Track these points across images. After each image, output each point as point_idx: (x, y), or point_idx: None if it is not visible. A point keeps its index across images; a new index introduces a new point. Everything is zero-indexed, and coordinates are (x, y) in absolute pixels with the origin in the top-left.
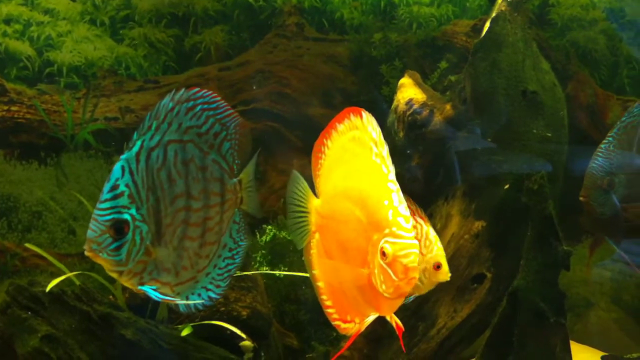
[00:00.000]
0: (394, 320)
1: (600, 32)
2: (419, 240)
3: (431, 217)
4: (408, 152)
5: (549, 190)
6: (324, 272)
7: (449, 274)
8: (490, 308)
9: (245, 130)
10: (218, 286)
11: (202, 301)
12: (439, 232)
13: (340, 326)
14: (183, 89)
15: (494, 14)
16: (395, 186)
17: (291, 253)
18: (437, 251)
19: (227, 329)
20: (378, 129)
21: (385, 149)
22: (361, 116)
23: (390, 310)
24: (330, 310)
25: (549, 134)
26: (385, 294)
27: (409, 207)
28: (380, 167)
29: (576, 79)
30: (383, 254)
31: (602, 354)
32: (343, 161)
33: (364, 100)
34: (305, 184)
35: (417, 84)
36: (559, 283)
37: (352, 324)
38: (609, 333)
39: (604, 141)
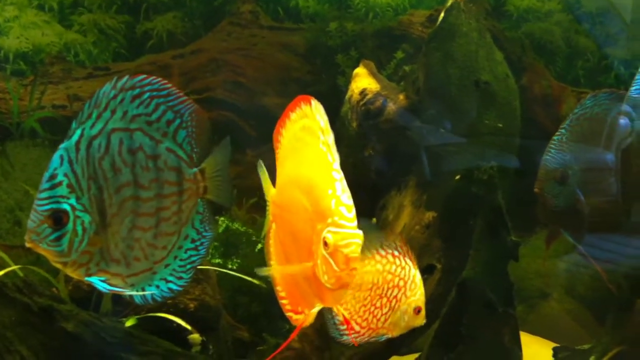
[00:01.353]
0: (340, 313)
1: (555, 23)
2: (405, 282)
3: (384, 208)
4: (362, 142)
5: (499, 181)
6: (279, 262)
7: (425, 320)
8: (441, 299)
9: (202, 117)
10: (180, 278)
11: (162, 293)
12: (392, 223)
13: (292, 317)
14: (127, 76)
15: (448, 4)
16: (339, 175)
17: (244, 245)
18: (420, 296)
19: (174, 321)
20: (325, 117)
21: (331, 137)
22: (310, 104)
23: (335, 302)
24: (283, 302)
25: (501, 125)
26: (328, 285)
27: (401, 247)
28: (326, 155)
29: (531, 71)
30: (325, 243)
31: (555, 345)
32: (295, 150)
33: (320, 89)
34: (265, 174)
35: (372, 73)
36: (513, 274)
37: (303, 316)
38: (563, 324)
39: (557, 133)
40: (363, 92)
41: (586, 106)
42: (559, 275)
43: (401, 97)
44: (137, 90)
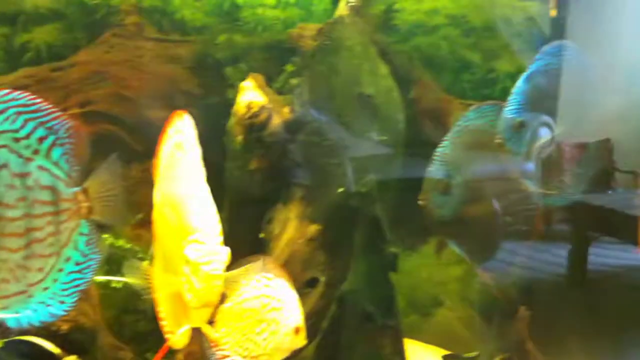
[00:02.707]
0: (209, 332)
1: (442, 37)
2: (283, 304)
3: (271, 222)
4: (247, 155)
5: (378, 193)
6: (158, 280)
7: (306, 340)
8: (324, 312)
9: (81, 134)
10: (62, 302)
11: (41, 317)
12: (277, 237)
13: (170, 339)
14: None
15: (333, 19)
16: (205, 190)
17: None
18: (299, 316)
19: (48, 344)
20: (193, 132)
21: (198, 152)
22: (181, 119)
23: (201, 321)
24: (163, 322)
25: (385, 137)
26: (191, 303)
27: (274, 270)
28: (193, 170)
29: (420, 84)
30: (187, 261)
31: (446, 352)
32: (168, 166)
33: (209, 102)
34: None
35: (259, 86)
36: (405, 283)
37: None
38: (455, 332)
39: (441, 145)
40: (249, 105)
41: (469, 118)
42: (450, 283)
43: (286, 110)
44: (0, 106)
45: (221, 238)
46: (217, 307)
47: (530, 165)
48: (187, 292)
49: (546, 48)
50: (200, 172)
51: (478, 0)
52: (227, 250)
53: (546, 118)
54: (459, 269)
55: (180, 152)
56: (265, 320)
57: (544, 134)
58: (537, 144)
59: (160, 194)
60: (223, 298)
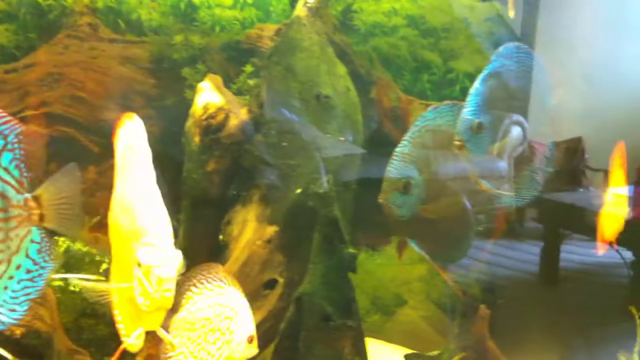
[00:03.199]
0: (163, 335)
1: (401, 38)
2: (236, 312)
3: (229, 224)
4: (204, 157)
5: (336, 193)
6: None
7: (258, 349)
8: (282, 314)
9: (33, 139)
10: (13, 310)
11: None
12: (236, 239)
13: (126, 342)
14: None
15: (290, 19)
16: (155, 193)
17: (87, 265)
18: (251, 324)
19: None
20: (143, 134)
21: (148, 154)
22: (131, 121)
23: (154, 325)
24: (119, 326)
25: (342, 138)
26: (143, 307)
27: (226, 278)
28: (144, 173)
29: (380, 84)
30: (139, 264)
31: (409, 351)
32: (121, 168)
33: (166, 104)
34: None
35: (217, 87)
36: (369, 283)
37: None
38: (418, 330)
39: (400, 145)
40: (205, 107)
41: (428, 118)
42: (413, 282)
43: (243, 111)
44: None
45: (173, 241)
46: (171, 316)
47: (502, 164)
48: (139, 296)
49: (500, 50)
50: (151, 174)
51: (436, 1)
52: (180, 253)
53: (518, 117)
54: (423, 268)
55: (131, 154)
56: (219, 329)
57: (516, 133)
58: (509, 143)
59: (114, 196)
60: (177, 307)
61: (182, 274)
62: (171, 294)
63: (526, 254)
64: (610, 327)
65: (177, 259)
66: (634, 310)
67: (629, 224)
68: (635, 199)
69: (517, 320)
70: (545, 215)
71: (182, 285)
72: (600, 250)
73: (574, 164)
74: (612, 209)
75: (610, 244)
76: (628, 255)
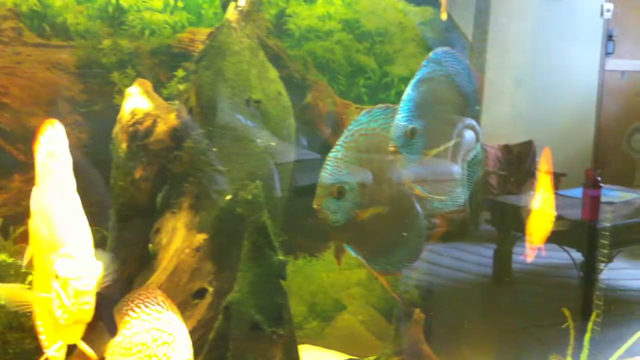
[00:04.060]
0: (84, 349)
1: (336, 42)
2: (174, 337)
3: (159, 232)
4: (132, 163)
5: (264, 199)
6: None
7: None
8: (212, 323)
9: None
10: None
11: None
12: (165, 248)
13: (46, 354)
14: None
15: (219, 23)
16: (75, 202)
17: (12, 277)
18: (189, 349)
19: None
20: (64, 140)
21: (69, 162)
22: (53, 127)
23: (74, 338)
24: (41, 337)
25: (273, 143)
26: (61, 320)
27: (164, 302)
28: (64, 181)
29: (315, 88)
30: (56, 276)
31: (348, 357)
32: (41, 176)
33: (95, 109)
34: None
35: (146, 92)
36: (307, 289)
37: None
38: (357, 335)
39: (333, 150)
40: (133, 112)
41: (361, 122)
42: (353, 287)
43: (172, 116)
44: None
45: (93, 252)
46: (107, 340)
47: (456, 168)
48: (57, 309)
49: (430, 55)
50: (71, 183)
51: (371, 5)
52: (100, 265)
53: (470, 121)
54: (362, 273)
55: (53, 162)
56: (155, 355)
57: (469, 137)
58: (462, 146)
59: (34, 205)
60: (114, 332)
61: (124, 299)
62: (90, 307)
63: (482, 257)
64: (551, 329)
65: (96, 270)
66: (566, 312)
67: (578, 225)
68: (584, 201)
69: (459, 323)
70: (497, 218)
71: (119, 308)
72: (529, 257)
73: (525, 167)
74: (540, 215)
75: (539, 249)
76: (578, 256)
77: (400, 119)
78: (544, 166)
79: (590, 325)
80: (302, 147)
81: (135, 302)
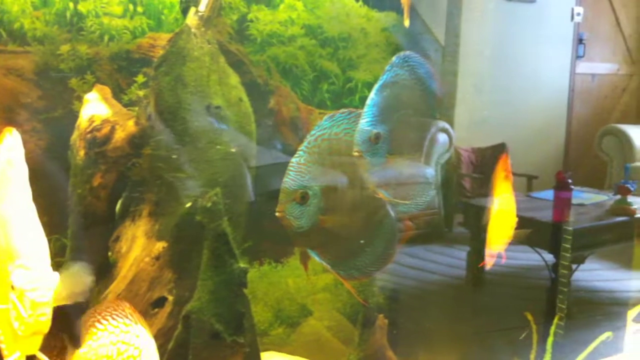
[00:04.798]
0: (42, 359)
1: (299, 48)
2: (141, 351)
3: (118, 240)
4: (90, 171)
5: (223, 206)
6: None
7: None
8: (172, 332)
9: None
10: None
11: None
12: (124, 256)
13: None
14: None
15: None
16: (31, 212)
17: None
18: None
19: None
20: (20, 149)
21: (25, 170)
22: (11, 135)
23: (32, 349)
24: (1, 346)
25: (234, 150)
26: (19, 331)
27: (132, 315)
28: (20, 190)
29: (278, 94)
30: (12, 287)
31: None
32: (2, 185)
33: (53, 116)
34: None
35: (105, 99)
36: (273, 295)
37: None
38: (323, 341)
39: (295, 155)
40: (91, 119)
41: (324, 127)
42: (320, 293)
43: (130, 123)
44: None
45: (49, 262)
46: (72, 352)
47: (429, 171)
48: (14, 320)
49: (393, 59)
50: (27, 192)
51: (333, 11)
52: (56, 276)
53: (444, 124)
54: (328, 278)
55: (11, 170)
56: None
57: (442, 140)
58: (435, 149)
59: None
60: (79, 343)
61: (92, 310)
62: (46, 318)
63: (455, 259)
64: (522, 331)
65: (53, 281)
66: (529, 316)
67: (549, 227)
68: (555, 203)
69: (428, 327)
70: (470, 220)
71: (87, 320)
72: (488, 264)
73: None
74: (498, 221)
75: (499, 255)
76: (549, 257)
77: (365, 124)
78: (502, 173)
79: (553, 328)
80: (264, 152)
81: (102, 314)
